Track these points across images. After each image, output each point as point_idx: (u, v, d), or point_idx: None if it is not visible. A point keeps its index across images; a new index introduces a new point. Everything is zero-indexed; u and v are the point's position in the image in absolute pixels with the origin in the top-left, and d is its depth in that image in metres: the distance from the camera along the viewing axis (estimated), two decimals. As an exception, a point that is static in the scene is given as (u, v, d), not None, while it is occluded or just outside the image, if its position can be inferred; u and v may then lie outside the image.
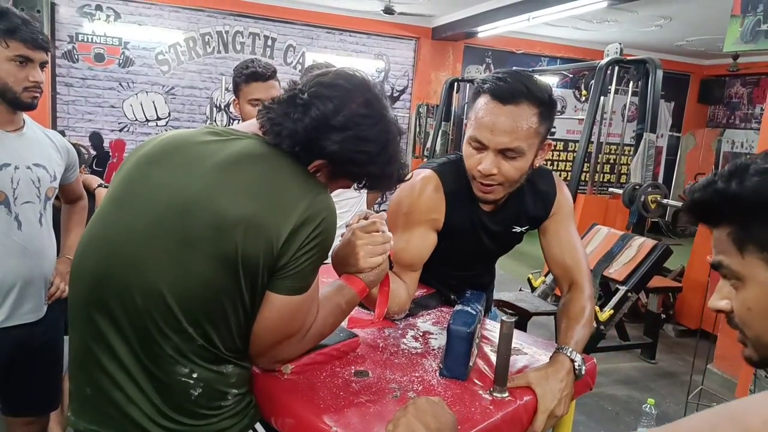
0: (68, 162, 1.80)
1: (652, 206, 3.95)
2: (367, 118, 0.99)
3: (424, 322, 1.42)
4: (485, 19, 6.23)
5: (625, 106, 6.17)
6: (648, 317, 4.12)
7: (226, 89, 6.23)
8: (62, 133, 4.49)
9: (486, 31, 6.63)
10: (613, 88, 5.02)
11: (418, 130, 7.49)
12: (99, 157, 6.33)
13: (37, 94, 1.60)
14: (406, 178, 1.13)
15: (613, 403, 3.25)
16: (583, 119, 5.04)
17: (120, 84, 6.32)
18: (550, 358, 1.18)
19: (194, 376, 0.94)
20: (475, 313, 1.18)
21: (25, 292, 1.64)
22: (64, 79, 6.10)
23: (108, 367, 0.94)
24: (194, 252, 0.91)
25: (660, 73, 4.15)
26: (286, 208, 0.93)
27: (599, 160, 5.48)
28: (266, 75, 2.13)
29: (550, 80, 7.90)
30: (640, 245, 3.58)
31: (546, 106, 1.25)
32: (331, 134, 0.96)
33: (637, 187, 3.99)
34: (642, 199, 3.92)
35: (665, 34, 6.83)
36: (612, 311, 3.37)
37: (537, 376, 1.11)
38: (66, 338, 1.20)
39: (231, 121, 6.42)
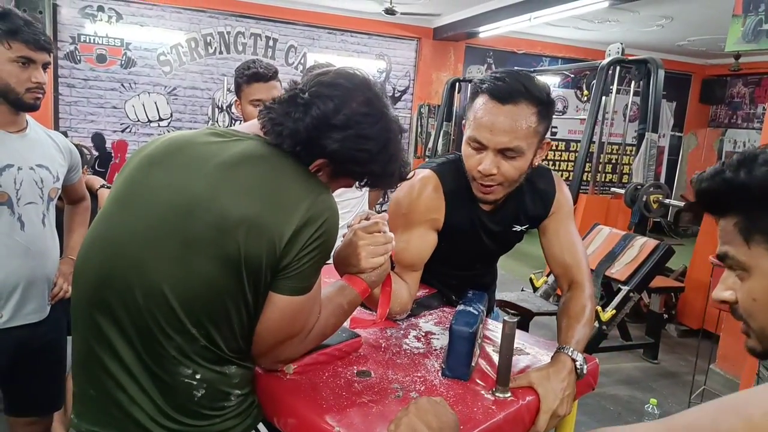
0: (71, 163, 1.81)
1: (654, 206, 3.95)
2: (368, 116, 0.99)
3: (427, 322, 1.42)
4: (486, 20, 6.23)
5: (626, 106, 6.17)
6: (650, 317, 4.12)
7: (228, 90, 6.24)
8: (64, 134, 4.52)
9: (487, 32, 6.62)
10: (614, 88, 5.02)
11: (419, 130, 7.50)
12: (101, 157, 6.34)
13: (40, 95, 1.60)
14: (408, 176, 1.13)
15: (616, 403, 3.25)
16: (584, 119, 5.03)
17: (122, 85, 6.33)
18: (552, 357, 1.19)
19: (197, 376, 0.94)
20: (477, 313, 1.18)
21: (28, 293, 1.64)
22: (67, 80, 6.11)
23: (111, 368, 0.94)
24: (197, 253, 0.91)
25: (662, 73, 4.15)
26: (289, 208, 0.93)
27: (601, 160, 5.47)
28: (268, 75, 2.14)
29: (552, 80, 7.90)
30: (642, 245, 3.58)
31: (544, 105, 1.25)
32: (332, 133, 0.97)
33: (639, 187, 3.98)
34: (644, 198, 3.91)
35: (667, 34, 6.83)
36: (614, 311, 3.37)
37: (539, 376, 1.11)
38: (69, 338, 1.20)
39: (233, 121, 6.42)
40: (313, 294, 0.99)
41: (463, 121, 1.33)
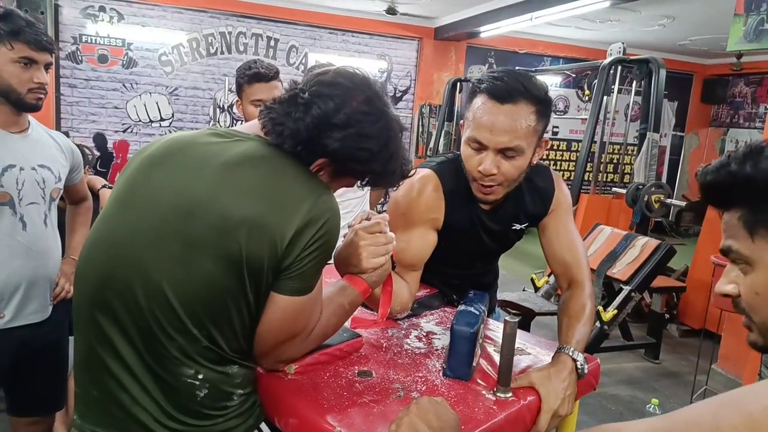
0: (73, 163, 1.81)
1: (656, 206, 3.95)
2: (368, 115, 0.99)
3: (428, 322, 1.42)
4: (488, 19, 6.23)
5: (628, 105, 6.16)
6: (652, 317, 4.11)
7: (230, 90, 6.25)
8: (66, 134, 4.51)
9: (488, 31, 6.62)
10: (616, 87, 5.01)
11: (420, 130, 7.50)
12: (103, 158, 6.35)
13: (42, 96, 1.61)
14: (409, 174, 1.13)
15: (617, 403, 3.25)
16: (586, 119, 5.03)
17: (123, 85, 6.34)
18: (552, 357, 1.19)
19: (200, 377, 0.94)
20: (478, 313, 1.18)
21: (30, 293, 1.64)
22: (68, 80, 6.12)
23: (113, 368, 0.94)
24: (198, 253, 0.91)
25: (663, 73, 4.15)
26: (290, 209, 0.93)
27: (602, 160, 5.47)
28: (269, 76, 2.14)
29: (553, 80, 7.89)
30: (644, 245, 3.58)
31: (543, 104, 1.25)
32: (333, 132, 0.97)
33: (640, 186, 3.98)
34: (645, 198, 3.91)
35: (668, 34, 6.82)
36: (615, 311, 3.37)
37: (540, 376, 1.11)
38: (71, 339, 1.20)
39: (234, 121, 6.43)
40: (314, 294, 0.99)
41: (461, 122, 1.33)
